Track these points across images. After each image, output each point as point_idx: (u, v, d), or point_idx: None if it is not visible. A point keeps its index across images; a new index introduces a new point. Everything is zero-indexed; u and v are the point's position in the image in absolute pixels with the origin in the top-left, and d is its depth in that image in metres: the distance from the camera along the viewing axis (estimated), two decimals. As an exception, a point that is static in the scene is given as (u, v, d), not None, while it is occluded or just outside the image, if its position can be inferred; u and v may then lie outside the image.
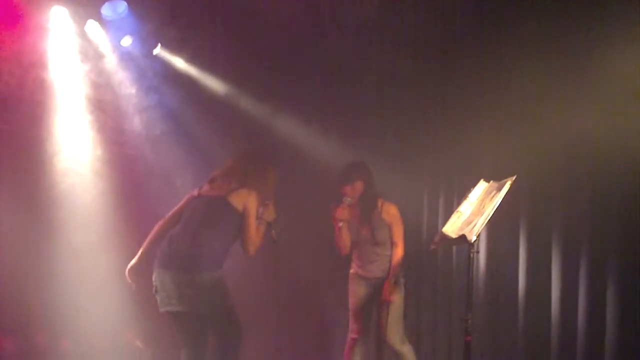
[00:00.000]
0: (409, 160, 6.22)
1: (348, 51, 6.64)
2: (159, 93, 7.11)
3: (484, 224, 4.20)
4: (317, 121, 6.91)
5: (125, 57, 6.88)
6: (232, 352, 4.64)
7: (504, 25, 5.53)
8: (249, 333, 4.78)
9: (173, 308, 4.47)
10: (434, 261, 5.99)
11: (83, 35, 6.59)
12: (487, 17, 5.68)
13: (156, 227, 4.77)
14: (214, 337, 4.64)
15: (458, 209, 4.51)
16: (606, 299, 4.65)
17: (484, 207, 4.28)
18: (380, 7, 6.37)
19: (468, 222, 4.31)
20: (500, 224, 5.18)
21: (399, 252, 5.23)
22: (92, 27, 6.62)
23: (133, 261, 4.69)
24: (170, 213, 4.77)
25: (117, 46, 6.80)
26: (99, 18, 6.58)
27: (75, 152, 6.69)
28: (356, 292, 5.35)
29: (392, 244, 5.25)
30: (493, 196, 4.25)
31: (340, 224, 5.23)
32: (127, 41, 6.81)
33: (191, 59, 7.17)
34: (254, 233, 4.61)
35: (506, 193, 4.17)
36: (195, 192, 4.75)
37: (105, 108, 6.87)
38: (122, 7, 6.56)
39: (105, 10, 6.53)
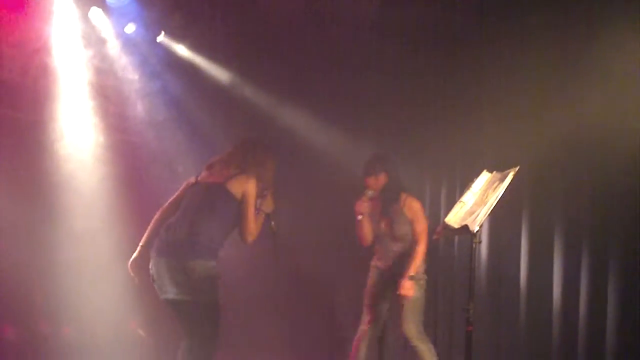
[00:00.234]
0: (411, 151, 6.22)
1: (351, 41, 6.64)
2: (162, 80, 7.10)
3: (487, 214, 4.21)
4: (320, 112, 6.89)
5: (129, 43, 6.87)
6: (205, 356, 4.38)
7: (505, 19, 5.53)
8: (249, 326, 4.70)
9: (169, 296, 4.38)
10: (436, 251, 5.99)
11: (86, 21, 6.57)
12: (488, 11, 5.69)
13: (155, 218, 4.65)
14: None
15: (461, 199, 4.51)
16: (607, 290, 4.66)
17: (486, 197, 4.28)
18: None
19: (471, 213, 4.32)
20: (502, 215, 5.19)
21: (420, 249, 5.05)
22: (96, 13, 6.60)
23: (134, 255, 4.58)
24: (168, 202, 4.66)
25: (120, 33, 6.78)
26: (102, 4, 6.56)
27: (77, 138, 6.66)
28: (372, 284, 5.27)
29: (414, 240, 5.09)
30: (496, 187, 4.26)
31: (360, 217, 5.13)
32: (130, 28, 6.81)
33: (194, 47, 7.17)
34: (252, 221, 4.46)
35: (509, 184, 4.17)
36: (193, 179, 4.62)
37: (108, 94, 6.86)
38: (126, -6, 6.57)
39: (109, -4, 6.54)
